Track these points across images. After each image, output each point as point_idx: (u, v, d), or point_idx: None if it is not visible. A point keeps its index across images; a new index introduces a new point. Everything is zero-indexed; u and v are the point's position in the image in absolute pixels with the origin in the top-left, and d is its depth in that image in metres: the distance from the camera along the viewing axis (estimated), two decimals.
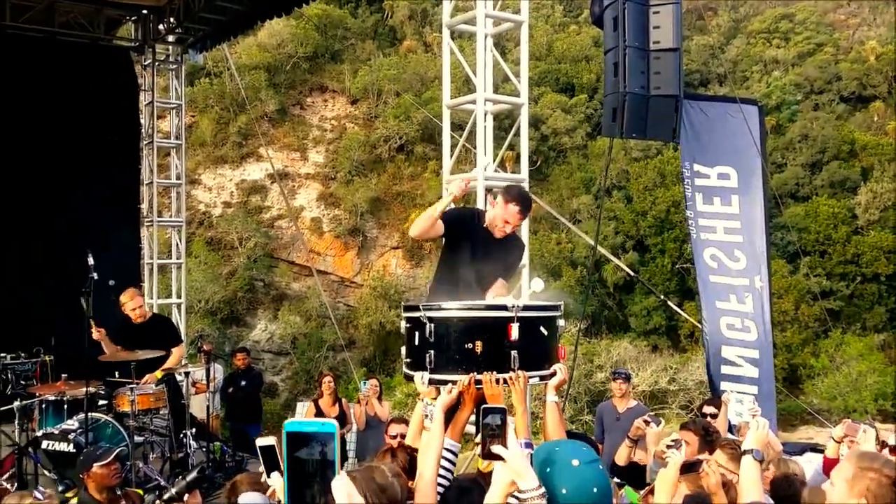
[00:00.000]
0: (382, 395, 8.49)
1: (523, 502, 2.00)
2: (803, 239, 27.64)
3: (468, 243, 4.10)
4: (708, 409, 5.98)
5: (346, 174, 28.36)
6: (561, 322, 3.08)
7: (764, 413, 4.32)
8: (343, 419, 8.14)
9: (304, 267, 26.16)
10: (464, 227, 4.17)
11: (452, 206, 4.08)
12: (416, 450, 2.95)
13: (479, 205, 6.98)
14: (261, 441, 2.54)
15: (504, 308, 2.91)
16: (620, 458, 5.09)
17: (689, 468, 3.25)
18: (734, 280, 7.51)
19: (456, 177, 7.05)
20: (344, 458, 8.26)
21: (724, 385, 7.39)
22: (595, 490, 2.08)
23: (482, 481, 2.62)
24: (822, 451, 4.81)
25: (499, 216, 4.06)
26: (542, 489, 2.00)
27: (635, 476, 4.66)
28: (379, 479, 2.30)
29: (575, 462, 2.11)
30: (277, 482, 2.48)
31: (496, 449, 2.08)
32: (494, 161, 7.48)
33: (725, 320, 7.55)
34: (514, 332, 2.84)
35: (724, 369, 7.48)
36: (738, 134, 7.47)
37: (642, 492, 3.80)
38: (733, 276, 7.49)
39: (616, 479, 4.63)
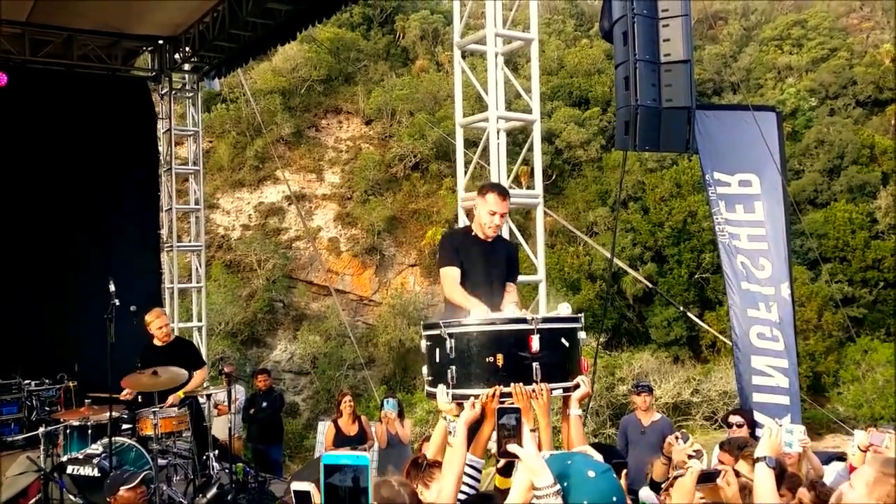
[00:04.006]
0: (404, 414, 8.48)
1: (539, 500, 2.01)
2: (823, 245, 27.33)
3: (468, 255, 4.32)
4: (734, 419, 5.91)
5: (363, 194, 28.53)
6: (582, 334, 3.07)
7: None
8: (363, 437, 8.15)
9: (323, 287, 26.27)
10: (461, 246, 4.39)
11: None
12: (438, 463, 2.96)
13: None
14: (296, 486, 2.63)
15: (524, 321, 2.90)
16: (658, 475, 5.07)
17: (707, 478, 3.22)
18: (761, 289, 7.41)
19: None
20: None
21: (756, 396, 7.24)
22: (614, 499, 2.12)
23: (499, 497, 2.62)
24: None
25: (483, 212, 4.26)
26: (558, 486, 2.04)
27: None
28: (385, 492, 2.44)
29: (591, 473, 2.14)
30: None
31: (512, 448, 2.10)
32: (509, 177, 7.49)
33: (756, 329, 7.43)
34: (535, 343, 2.82)
35: (756, 380, 7.30)
36: (755, 141, 7.40)
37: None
38: (761, 284, 7.39)
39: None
